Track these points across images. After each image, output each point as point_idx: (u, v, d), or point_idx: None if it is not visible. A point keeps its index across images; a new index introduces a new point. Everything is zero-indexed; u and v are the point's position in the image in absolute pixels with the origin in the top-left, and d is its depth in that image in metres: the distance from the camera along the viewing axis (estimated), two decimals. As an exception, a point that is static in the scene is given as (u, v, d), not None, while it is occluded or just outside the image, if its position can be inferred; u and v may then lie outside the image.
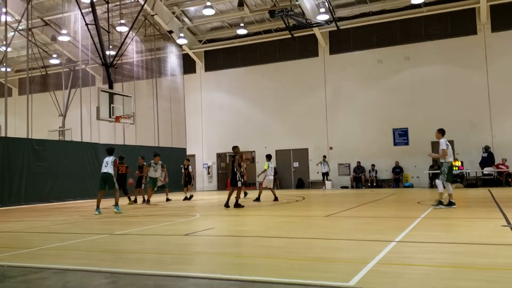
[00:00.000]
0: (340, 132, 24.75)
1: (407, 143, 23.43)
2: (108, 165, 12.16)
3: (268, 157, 15.72)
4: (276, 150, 26.23)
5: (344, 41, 25.14)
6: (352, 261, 4.99)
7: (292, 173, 26.05)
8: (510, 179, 20.44)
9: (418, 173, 22.80)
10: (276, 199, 15.18)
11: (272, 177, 15.65)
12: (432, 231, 7.28)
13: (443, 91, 22.74)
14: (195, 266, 5.21)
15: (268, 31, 26.71)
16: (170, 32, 26.12)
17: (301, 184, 25.52)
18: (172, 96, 27.34)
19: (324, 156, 24.30)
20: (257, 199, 15.14)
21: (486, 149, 21.29)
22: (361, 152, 24.09)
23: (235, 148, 13.22)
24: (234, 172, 12.82)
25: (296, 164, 26.00)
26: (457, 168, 20.93)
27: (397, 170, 23.17)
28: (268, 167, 15.40)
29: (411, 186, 22.77)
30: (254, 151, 26.92)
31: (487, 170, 20.88)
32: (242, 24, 25.48)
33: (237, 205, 12.64)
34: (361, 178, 23.81)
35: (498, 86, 21.78)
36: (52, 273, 4.81)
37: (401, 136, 23.60)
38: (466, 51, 22.55)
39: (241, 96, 27.45)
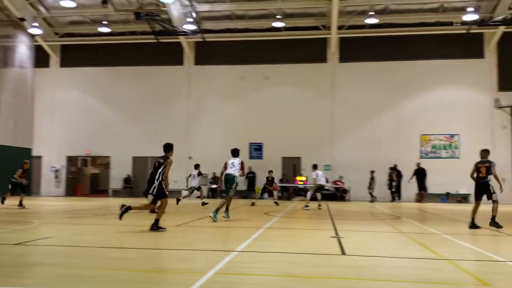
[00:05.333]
0: (200, 143, 25.00)
1: (261, 157, 24.77)
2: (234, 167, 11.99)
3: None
4: (133, 157, 25.48)
5: (210, 53, 25.56)
6: (193, 271, 5.15)
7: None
8: (344, 195, 23.02)
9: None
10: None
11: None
12: (270, 241, 7.84)
13: (294, 111, 24.63)
14: (24, 279, 4.84)
15: (133, 33, 25.91)
16: (22, 19, 23.73)
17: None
18: (18, 90, 24.69)
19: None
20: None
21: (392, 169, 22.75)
22: (219, 163, 24.55)
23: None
24: None
25: (153, 172, 25.44)
26: (302, 183, 22.85)
27: (250, 175, 23.52)
28: None
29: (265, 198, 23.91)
30: (110, 157, 25.75)
31: (327, 186, 23.07)
32: (105, 22, 24.35)
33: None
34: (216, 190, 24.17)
35: (340, 111, 24.38)
36: None
37: (256, 150, 24.88)
38: (316, 77, 24.82)
39: (99, 97, 26.08)
